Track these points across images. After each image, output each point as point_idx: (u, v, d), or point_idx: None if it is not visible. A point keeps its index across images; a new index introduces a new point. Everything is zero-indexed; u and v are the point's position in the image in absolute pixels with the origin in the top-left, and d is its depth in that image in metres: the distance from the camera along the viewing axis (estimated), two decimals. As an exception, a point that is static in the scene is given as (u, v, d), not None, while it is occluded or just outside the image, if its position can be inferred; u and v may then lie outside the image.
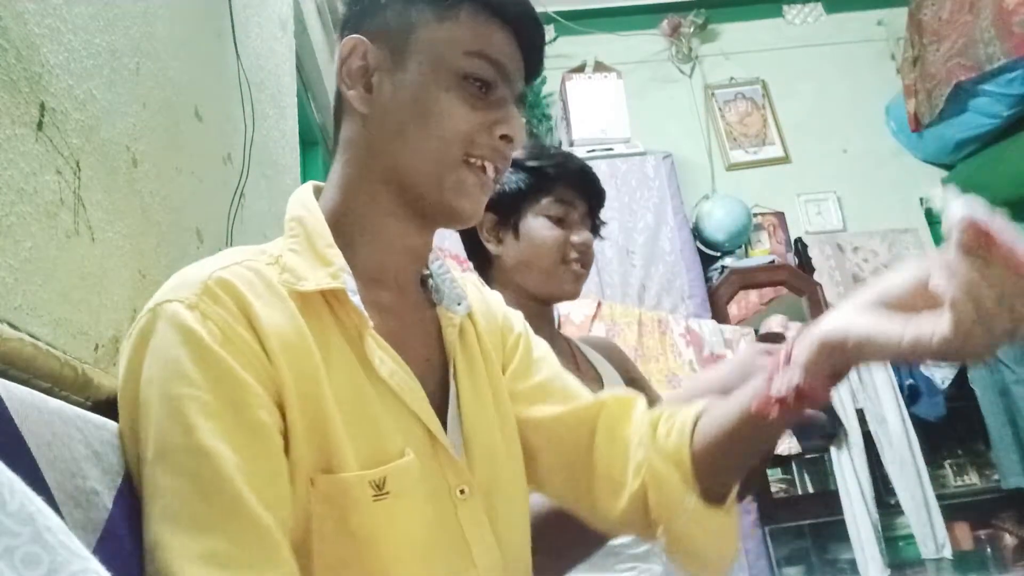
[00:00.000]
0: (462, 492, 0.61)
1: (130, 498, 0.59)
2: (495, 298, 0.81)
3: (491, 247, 1.10)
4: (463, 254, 1.18)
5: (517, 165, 1.09)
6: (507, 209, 1.09)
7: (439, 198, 0.63)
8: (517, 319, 0.80)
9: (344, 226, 0.64)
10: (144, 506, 0.51)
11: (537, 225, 1.08)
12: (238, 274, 0.56)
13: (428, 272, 0.71)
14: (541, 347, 0.79)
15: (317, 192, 0.69)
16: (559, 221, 1.08)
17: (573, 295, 1.10)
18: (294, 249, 0.62)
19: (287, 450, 0.53)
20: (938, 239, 3.40)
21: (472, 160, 0.63)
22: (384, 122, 0.63)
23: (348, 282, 0.59)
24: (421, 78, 0.62)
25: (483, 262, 1.15)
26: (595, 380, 1.11)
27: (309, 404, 0.54)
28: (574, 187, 1.10)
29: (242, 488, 0.48)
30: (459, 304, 0.70)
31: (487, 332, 0.74)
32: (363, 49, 0.64)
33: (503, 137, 0.63)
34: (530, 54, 0.67)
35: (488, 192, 0.65)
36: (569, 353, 1.12)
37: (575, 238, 1.08)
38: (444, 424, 0.63)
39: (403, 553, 0.55)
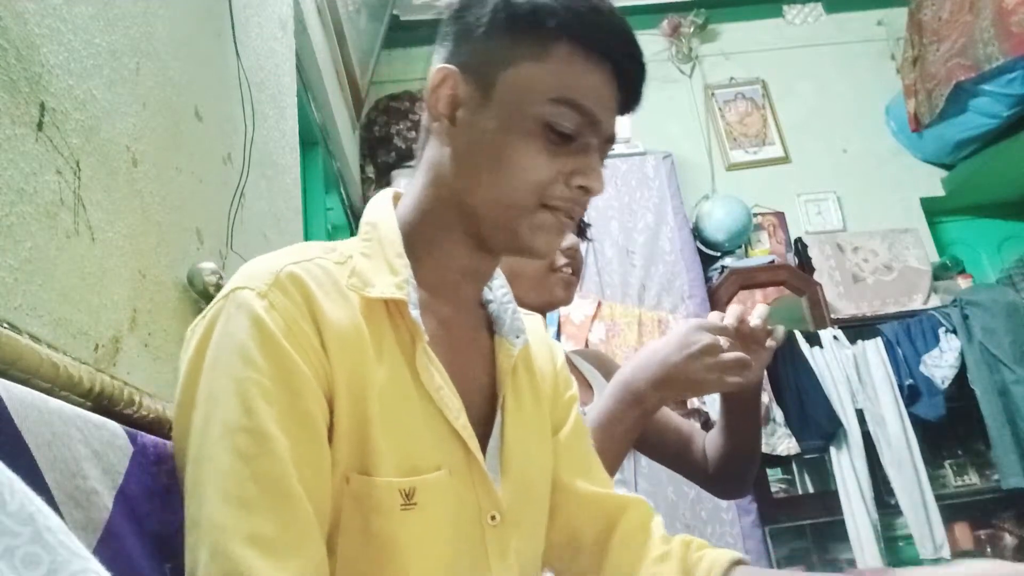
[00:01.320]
0: (493, 518, 0.62)
1: (130, 498, 0.59)
2: (557, 347, 0.82)
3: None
4: None
5: None
6: None
7: (513, 238, 0.63)
8: (572, 379, 0.81)
9: (414, 239, 0.65)
10: (195, 478, 0.51)
11: None
12: (308, 270, 0.58)
13: (491, 299, 0.72)
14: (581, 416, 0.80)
15: (396, 200, 0.70)
16: None
17: (565, 302, 1.11)
18: (365, 253, 0.63)
19: (330, 445, 0.55)
20: (938, 239, 3.40)
21: (550, 205, 0.62)
22: (464, 158, 0.63)
23: (411, 294, 0.60)
24: (502, 121, 0.61)
25: None
26: (587, 390, 1.12)
27: (356, 404, 0.56)
28: None
29: (292, 475, 0.50)
30: (517, 337, 0.70)
31: (541, 375, 0.75)
32: (453, 81, 0.63)
33: (580, 188, 0.62)
34: (628, 92, 0.64)
35: (564, 233, 0.65)
36: None
37: (563, 244, 1.09)
38: (484, 449, 0.63)
39: (422, 565, 0.56)
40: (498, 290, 0.73)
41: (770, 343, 0.94)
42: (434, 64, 0.66)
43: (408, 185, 0.70)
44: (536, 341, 0.77)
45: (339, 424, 0.55)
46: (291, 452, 0.51)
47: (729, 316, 0.93)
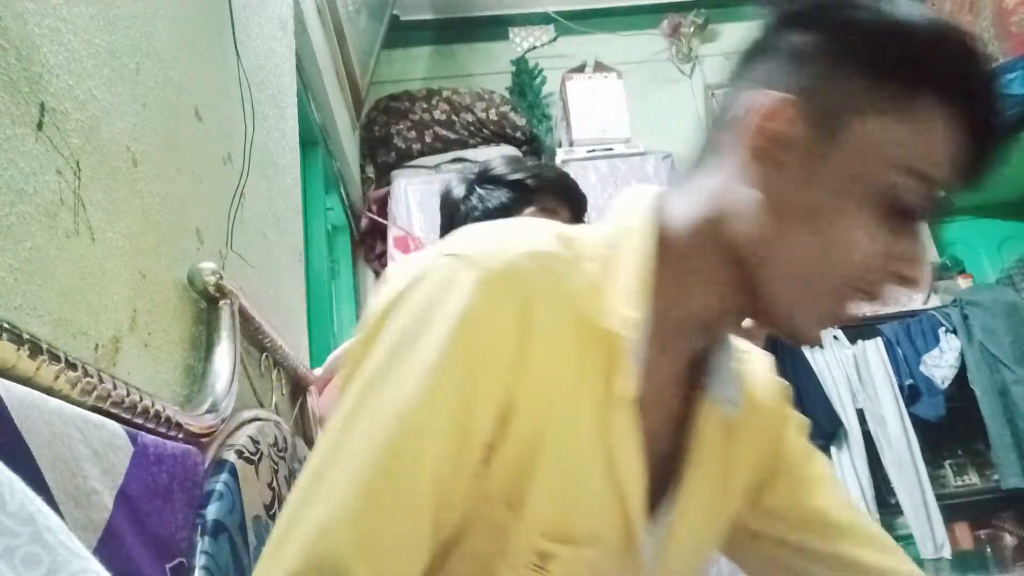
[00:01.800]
0: None
1: (130, 498, 0.59)
2: (782, 389, 0.70)
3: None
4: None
5: (497, 180, 1.14)
6: None
7: (786, 314, 0.52)
8: (801, 422, 0.70)
9: (662, 266, 0.54)
10: (338, 437, 0.47)
11: None
12: (540, 271, 0.50)
13: (711, 351, 0.60)
14: (822, 462, 0.69)
15: (661, 204, 0.57)
16: None
17: None
18: (604, 263, 0.54)
19: (490, 459, 0.49)
20: (938, 239, 3.40)
21: (847, 290, 0.50)
22: (773, 209, 0.50)
23: (636, 342, 0.51)
24: (840, 181, 0.49)
25: None
26: None
27: (532, 433, 0.49)
28: (555, 195, 1.13)
29: (430, 488, 0.46)
30: (730, 404, 0.59)
31: (750, 435, 0.64)
32: (791, 116, 0.50)
33: (902, 279, 0.50)
34: (982, 168, 0.52)
35: (843, 321, 0.53)
36: None
37: None
38: (650, 509, 0.56)
39: None
40: (722, 343, 0.61)
41: None
42: (751, 74, 0.54)
43: (670, 195, 0.58)
44: (759, 389, 0.66)
45: (505, 445, 0.49)
46: (442, 461, 0.46)
47: None
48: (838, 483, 0.69)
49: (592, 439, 0.51)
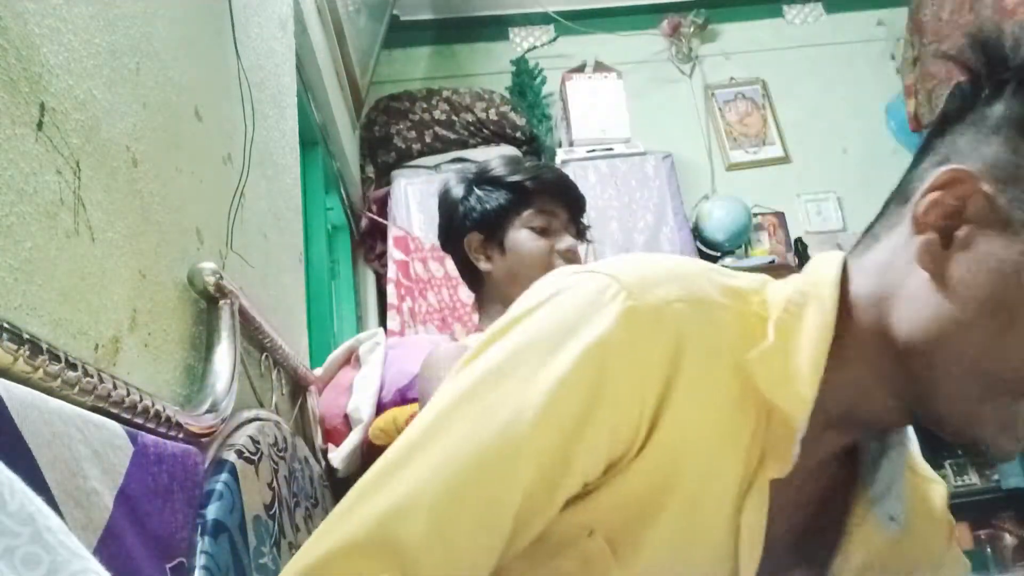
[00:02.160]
0: None
1: (130, 498, 0.59)
2: (948, 523, 0.66)
3: (481, 265, 1.15)
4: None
5: (496, 182, 1.14)
6: (492, 226, 1.13)
7: (967, 424, 0.46)
8: (963, 561, 0.65)
9: (838, 346, 0.48)
10: (435, 425, 0.45)
11: (521, 238, 1.11)
12: (706, 316, 0.47)
13: (877, 452, 0.55)
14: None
15: (847, 276, 0.52)
16: (543, 231, 1.11)
17: None
18: (783, 327, 0.48)
19: (590, 493, 0.46)
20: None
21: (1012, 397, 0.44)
22: (944, 296, 0.45)
23: (803, 424, 0.46)
24: (1006, 262, 0.42)
25: (475, 281, 1.20)
26: None
27: (660, 479, 0.46)
28: (553, 196, 1.13)
29: (512, 510, 0.43)
30: (891, 519, 0.53)
31: (904, 562, 0.57)
32: (969, 190, 0.45)
33: None
34: None
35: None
36: None
37: (560, 246, 1.11)
38: None
39: None
40: (896, 447, 0.55)
41: None
42: (942, 147, 0.50)
43: (852, 268, 0.52)
44: (930, 517, 0.61)
45: (618, 486, 0.46)
46: (534, 489, 0.43)
47: None
48: None
49: (725, 508, 0.47)
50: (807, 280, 0.52)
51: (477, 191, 1.16)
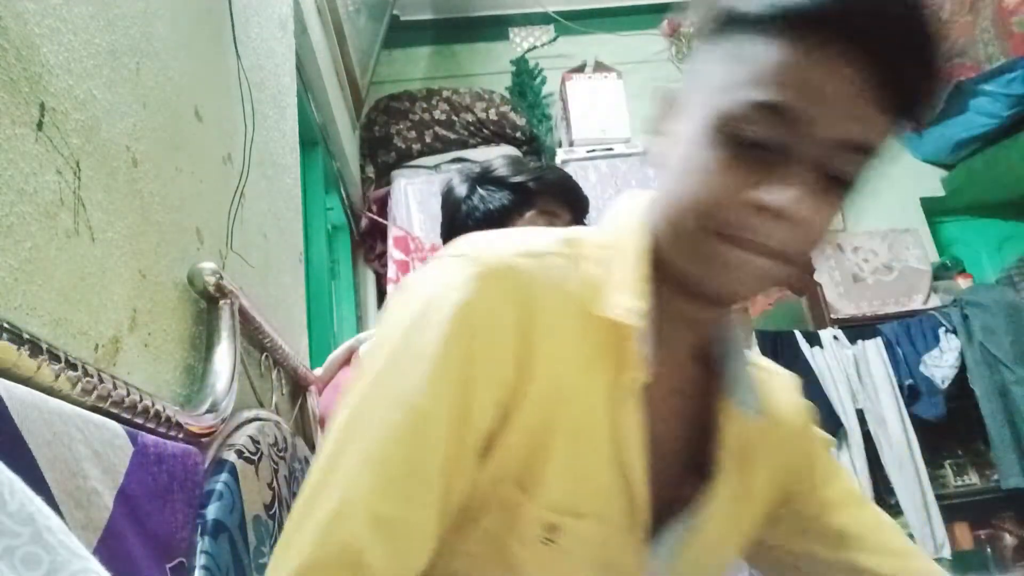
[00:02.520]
0: None
1: (130, 498, 0.59)
2: (808, 410, 0.71)
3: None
4: None
5: (499, 182, 1.14)
6: (494, 226, 1.13)
7: (691, 270, 0.52)
8: (827, 441, 0.72)
9: (658, 263, 0.55)
10: (343, 430, 0.49)
11: None
12: (538, 270, 0.52)
13: (724, 354, 0.61)
14: (848, 479, 0.71)
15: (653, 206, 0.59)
16: None
17: None
18: (602, 260, 0.55)
19: (489, 448, 0.51)
20: (938, 239, 3.40)
21: (726, 234, 0.48)
22: (660, 175, 0.54)
23: (642, 330, 0.52)
24: (689, 129, 0.51)
25: None
26: None
27: (541, 422, 0.51)
28: (556, 198, 1.13)
29: (439, 472, 0.48)
30: (752, 409, 0.59)
31: (773, 447, 0.64)
32: (666, 96, 0.56)
33: (762, 209, 0.47)
34: (892, 75, 0.45)
35: (757, 273, 0.49)
36: None
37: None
38: (669, 519, 0.57)
39: None
40: (735, 344, 0.61)
41: None
42: None
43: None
44: (782, 406, 0.67)
45: (512, 434, 0.51)
46: (448, 448, 0.48)
47: None
48: (863, 499, 0.70)
49: (601, 424, 0.53)
50: (619, 217, 0.59)
51: (480, 191, 1.16)
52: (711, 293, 0.52)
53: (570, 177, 1.18)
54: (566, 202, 1.14)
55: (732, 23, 0.49)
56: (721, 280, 0.50)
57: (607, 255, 0.56)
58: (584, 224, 1.19)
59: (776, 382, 0.69)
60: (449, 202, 1.21)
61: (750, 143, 0.47)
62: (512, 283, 0.51)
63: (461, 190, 1.19)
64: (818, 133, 0.46)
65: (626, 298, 0.53)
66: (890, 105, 0.46)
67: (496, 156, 1.29)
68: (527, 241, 0.55)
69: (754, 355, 0.64)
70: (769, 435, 0.63)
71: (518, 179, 1.13)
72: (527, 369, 0.50)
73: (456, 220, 1.19)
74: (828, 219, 0.49)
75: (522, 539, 0.52)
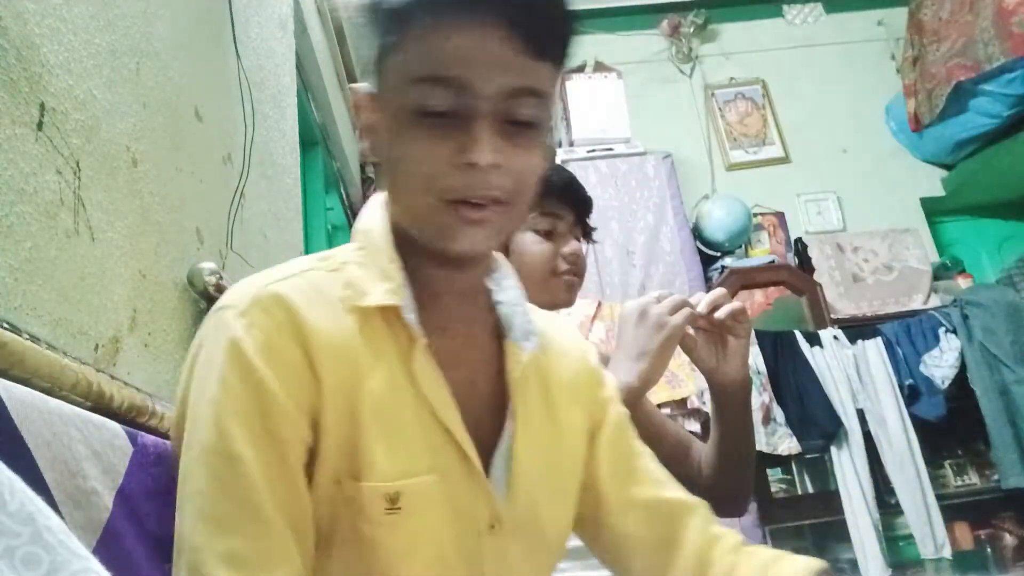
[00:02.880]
0: (492, 527, 0.60)
1: (130, 498, 0.59)
2: (590, 348, 0.79)
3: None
4: None
5: None
6: None
7: (431, 243, 0.59)
8: (609, 379, 0.78)
9: (403, 245, 0.63)
10: (179, 496, 0.53)
11: (526, 240, 1.10)
12: (295, 286, 0.58)
13: (501, 300, 0.69)
14: (623, 413, 0.77)
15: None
16: (547, 234, 1.10)
17: (568, 303, 1.12)
18: (359, 262, 0.62)
19: (316, 456, 0.55)
20: (938, 239, 3.40)
21: (452, 199, 0.56)
22: (382, 169, 0.62)
23: (406, 299, 0.59)
24: (386, 124, 0.58)
25: None
26: None
27: (348, 414, 0.55)
28: (559, 199, 1.12)
29: (265, 494, 0.51)
30: (527, 340, 0.66)
31: (569, 380, 0.72)
32: (359, 98, 0.62)
33: (469, 165, 0.55)
34: (527, 28, 0.54)
35: (488, 225, 0.58)
36: None
37: (564, 250, 1.10)
38: (491, 456, 0.62)
39: (409, 570, 0.56)
40: (508, 291, 0.69)
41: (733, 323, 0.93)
42: None
43: None
44: (564, 343, 0.75)
45: (327, 436, 0.55)
46: (263, 471, 0.51)
47: (702, 305, 0.94)
48: (637, 446, 0.75)
49: (404, 392, 0.58)
50: (362, 219, 0.66)
51: None
52: (454, 255, 0.59)
53: (575, 179, 1.18)
54: (570, 204, 1.14)
55: (387, 18, 0.56)
56: (459, 241, 0.57)
57: (363, 255, 0.63)
58: (587, 225, 1.19)
59: (557, 322, 0.78)
60: None
61: (438, 115, 0.55)
62: (274, 306, 0.55)
63: None
64: (483, 91, 0.54)
65: (382, 286, 0.59)
66: (533, 51, 0.55)
67: None
68: (282, 269, 0.61)
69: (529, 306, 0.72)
70: (556, 365, 0.71)
71: None
72: (314, 374, 0.55)
73: None
74: (527, 158, 0.58)
75: (371, 519, 0.55)
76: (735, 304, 0.94)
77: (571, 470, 0.70)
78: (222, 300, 0.58)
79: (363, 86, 0.62)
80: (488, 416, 0.64)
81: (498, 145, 0.55)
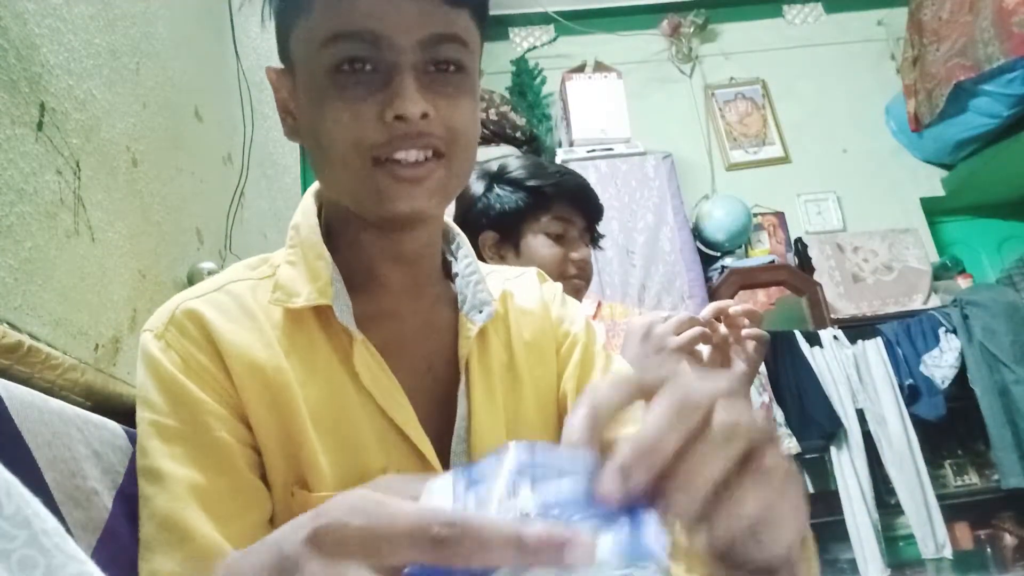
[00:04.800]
0: None
1: (130, 498, 0.59)
2: (552, 292, 0.74)
3: (494, 265, 1.14)
4: None
5: (516, 184, 1.14)
6: (508, 228, 1.13)
7: (369, 210, 0.57)
8: (576, 320, 0.72)
9: (335, 235, 0.62)
10: None
11: (537, 243, 1.11)
12: (211, 300, 0.57)
13: (457, 273, 0.67)
14: (613, 363, 0.72)
15: (321, 194, 0.66)
16: (558, 238, 1.12)
17: None
18: (291, 261, 0.60)
19: (264, 467, 0.54)
20: (938, 239, 3.40)
21: (381, 158, 0.54)
22: (308, 150, 0.60)
23: (338, 294, 0.58)
24: (303, 94, 0.57)
25: None
26: None
27: (281, 421, 0.54)
28: (572, 204, 1.13)
29: (189, 510, 0.49)
30: (480, 312, 0.64)
31: (531, 338, 0.68)
32: (276, 77, 0.61)
33: (398, 118, 0.53)
34: None
35: (427, 182, 0.55)
36: None
37: (574, 255, 1.12)
38: (450, 438, 0.60)
39: None
40: (462, 262, 0.67)
41: (751, 332, 0.91)
42: None
43: None
44: (527, 301, 0.71)
45: (266, 444, 0.54)
46: (195, 485, 0.50)
47: (706, 310, 0.93)
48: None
49: (345, 392, 0.56)
50: (295, 215, 0.64)
51: (497, 189, 1.15)
52: (395, 218, 0.56)
53: (587, 185, 1.18)
54: (582, 209, 1.15)
55: None
56: (398, 202, 0.55)
57: (293, 253, 0.61)
58: (597, 231, 1.20)
59: (521, 281, 0.74)
60: (464, 197, 1.20)
61: (355, 73, 0.53)
62: (189, 323, 0.55)
63: (477, 187, 1.18)
64: (400, 42, 0.53)
65: (310, 285, 0.58)
66: None
67: (513, 156, 1.28)
68: (204, 284, 0.60)
69: (498, 268, 0.70)
70: (519, 326, 0.68)
71: (535, 183, 1.13)
72: (235, 388, 0.54)
73: (469, 216, 1.18)
74: (457, 105, 0.56)
75: None
76: (746, 305, 0.92)
77: (540, 431, 0.67)
78: (148, 324, 0.57)
79: (276, 66, 0.61)
80: (445, 395, 0.62)
81: (424, 96, 0.53)
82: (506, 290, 0.69)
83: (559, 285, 0.77)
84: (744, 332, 0.91)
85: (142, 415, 0.52)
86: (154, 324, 0.56)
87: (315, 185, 0.66)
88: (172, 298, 0.59)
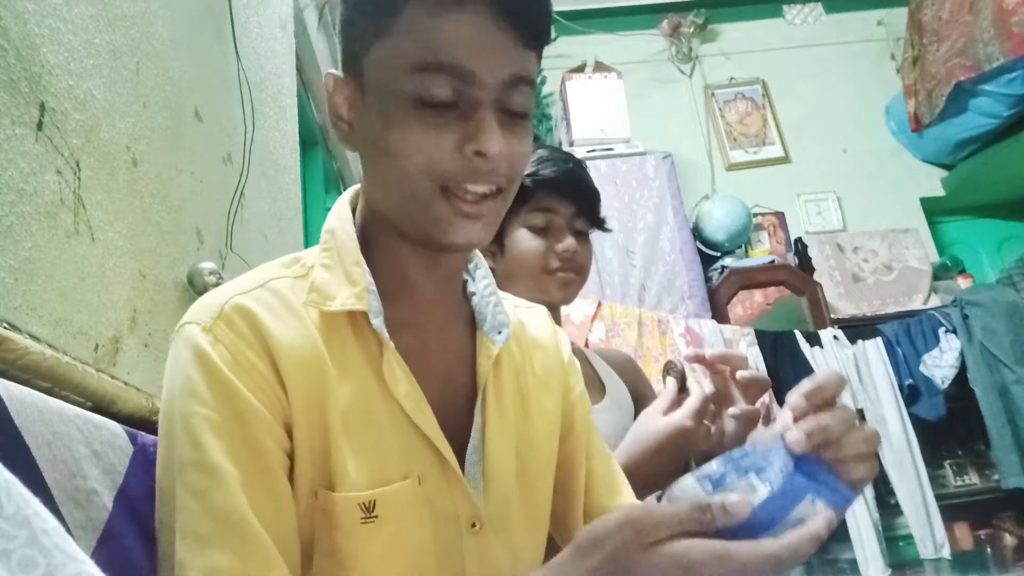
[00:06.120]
0: (474, 526, 0.59)
1: (130, 498, 0.59)
2: (564, 340, 0.78)
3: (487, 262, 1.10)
4: None
5: None
6: None
7: (423, 233, 0.58)
8: (578, 373, 0.76)
9: (370, 243, 0.63)
10: (161, 513, 0.53)
11: (519, 237, 1.05)
12: (258, 297, 0.57)
13: (474, 292, 0.69)
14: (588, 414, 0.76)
15: (356, 199, 0.66)
16: (542, 230, 1.05)
17: (564, 301, 1.07)
18: (325, 264, 0.61)
19: (293, 467, 0.54)
20: (938, 239, 3.40)
21: (450, 188, 0.56)
22: (365, 161, 0.61)
23: (372, 303, 0.58)
24: (376, 112, 0.56)
25: None
26: (599, 391, 1.10)
27: (317, 423, 0.55)
28: (555, 192, 1.05)
29: (244, 505, 0.50)
30: (499, 333, 0.66)
31: (543, 371, 0.71)
32: (338, 84, 0.61)
33: (478, 154, 0.54)
34: (520, 20, 0.55)
35: (482, 214, 0.57)
36: None
37: (559, 247, 1.04)
38: (464, 453, 0.61)
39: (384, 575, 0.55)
40: (480, 282, 0.69)
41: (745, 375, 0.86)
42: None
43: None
44: (539, 334, 0.74)
45: (301, 445, 0.54)
46: (243, 482, 0.50)
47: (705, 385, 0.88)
48: (605, 455, 0.76)
49: (373, 397, 0.57)
50: (329, 219, 0.65)
51: None
52: (449, 247, 0.58)
53: (572, 170, 1.10)
54: (568, 197, 1.07)
55: (377, 4, 0.55)
56: (452, 234, 0.57)
57: (328, 257, 0.61)
58: (594, 216, 1.15)
59: (531, 312, 0.77)
60: None
61: (442, 104, 0.54)
62: (239, 319, 0.55)
63: None
64: (488, 80, 0.54)
65: (346, 290, 0.59)
66: (525, 39, 0.55)
67: None
68: (246, 280, 0.60)
69: (506, 295, 0.72)
70: (531, 356, 0.71)
71: None
72: (282, 387, 0.54)
73: None
74: (522, 147, 0.58)
75: (346, 531, 0.54)
76: (720, 351, 0.87)
77: (546, 461, 0.69)
78: (185, 316, 0.57)
79: (339, 73, 0.61)
80: (463, 411, 0.63)
81: (501, 134, 0.55)
82: (518, 318, 0.70)
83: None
84: (739, 375, 0.86)
85: (192, 408, 0.51)
86: (199, 317, 0.55)
87: (349, 191, 0.67)
88: (211, 292, 0.59)
